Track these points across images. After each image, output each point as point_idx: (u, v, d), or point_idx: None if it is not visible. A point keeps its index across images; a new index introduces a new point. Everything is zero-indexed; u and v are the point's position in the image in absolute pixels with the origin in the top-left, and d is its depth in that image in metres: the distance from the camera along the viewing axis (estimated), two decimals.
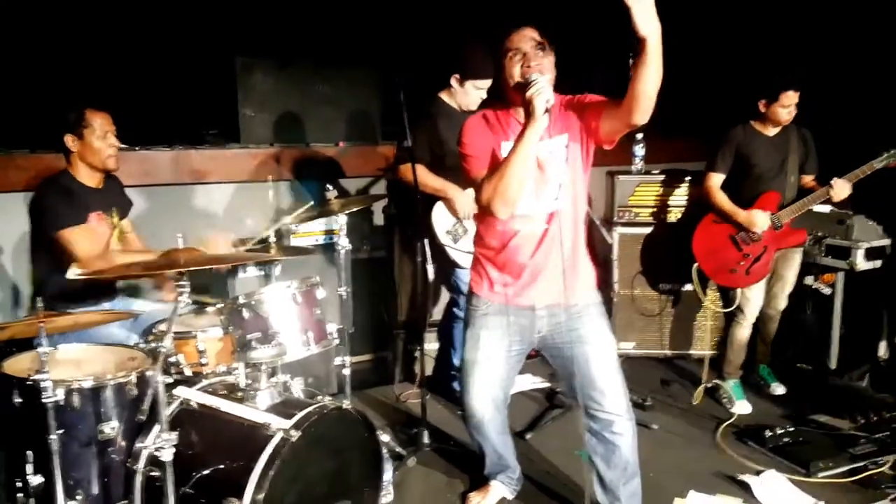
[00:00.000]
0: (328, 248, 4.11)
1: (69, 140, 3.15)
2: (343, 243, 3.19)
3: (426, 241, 3.47)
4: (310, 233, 4.10)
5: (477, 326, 2.71)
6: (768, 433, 3.50)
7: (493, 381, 2.76)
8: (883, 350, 4.46)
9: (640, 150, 4.54)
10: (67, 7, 4.53)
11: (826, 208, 4.21)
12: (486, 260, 2.70)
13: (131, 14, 4.70)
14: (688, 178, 4.51)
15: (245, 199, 4.57)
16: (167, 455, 2.28)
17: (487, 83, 3.58)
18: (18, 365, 2.51)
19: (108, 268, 2.82)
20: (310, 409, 2.49)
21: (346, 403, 2.67)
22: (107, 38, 4.64)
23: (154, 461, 2.40)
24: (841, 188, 3.69)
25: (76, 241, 3.06)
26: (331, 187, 3.18)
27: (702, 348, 4.37)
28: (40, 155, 3.95)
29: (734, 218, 3.89)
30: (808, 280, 4.47)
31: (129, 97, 4.54)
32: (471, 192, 3.47)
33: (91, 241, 3.10)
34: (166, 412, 2.31)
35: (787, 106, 3.78)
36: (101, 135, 3.16)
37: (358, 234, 4.33)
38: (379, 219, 4.72)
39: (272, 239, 3.15)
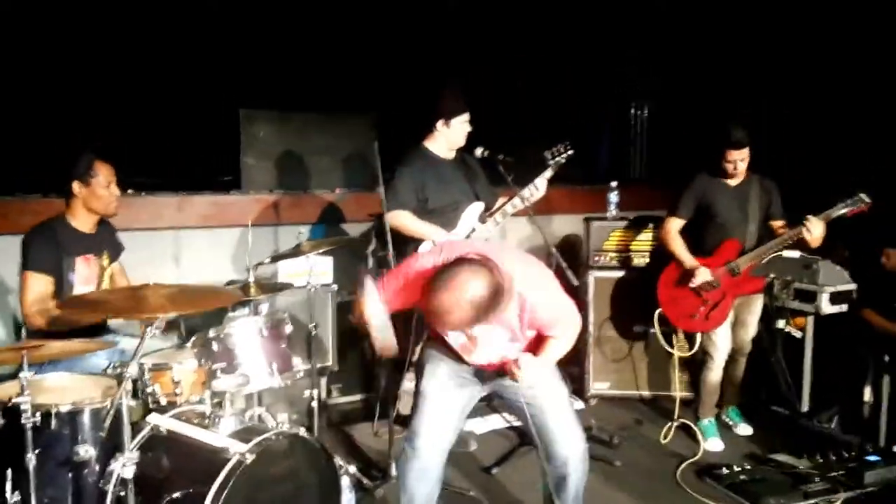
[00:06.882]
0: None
1: (76, 186, 3.38)
2: (313, 282, 3.44)
3: None
4: (297, 273, 4.31)
5: (435, 359, 2.82)
6: (725, 471, 3.61)
7: (441, 418, 2.77)
8: (868, 395, 4.51)
9: (614, 198, 4.70)
10: (78, 57, 4.88)
11: (795, 253, 4.32)
12: None
13: (141, 66, 5.06)
14: (651, 225, 4.63)
15: (243, 244, 4.81)
16: (128, 472, 2.48)
17: (468, 116, 3.82)
18: (6, 391, 2.74)
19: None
20: (267, 434, 2.69)
21: (303, 431, 2.83)
22: (117, 89, 5.00)
23: (124, 482, 2.57)
24: (815, 226, 3.74)
25: (30, 286, 3.25)
26: (303, 231, 3.44)
27: (674, 389, 4.48)
28: (52, 200, 4.26)
29: (683, 264, 4.03)
30: (780, 324, 4.56)
31: (137, 145, 4.89)
32: (453, 233, 3.73)
33: (42, 292, 3.25)
34: (127, 434, 2.50)
35: (730, 161, 3.95)
36: (105, 184, 3.41)
37: (347, 276, 4.55)
38: (369, 261, 4.95)
39: (251, 279, 3.41)
